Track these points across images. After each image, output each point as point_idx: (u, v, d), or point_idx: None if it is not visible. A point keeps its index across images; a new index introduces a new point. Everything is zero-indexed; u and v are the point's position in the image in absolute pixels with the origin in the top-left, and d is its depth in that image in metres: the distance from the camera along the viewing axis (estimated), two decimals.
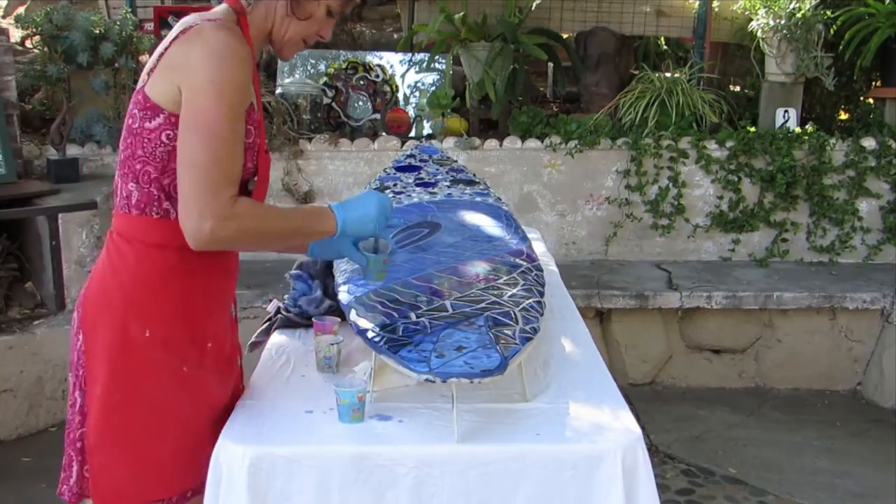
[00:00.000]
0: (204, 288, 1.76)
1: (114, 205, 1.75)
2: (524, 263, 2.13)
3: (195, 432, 1.75)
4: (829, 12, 4.63)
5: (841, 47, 4.62)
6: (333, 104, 4.85)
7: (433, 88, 4.99)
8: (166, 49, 1.63)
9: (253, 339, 2.28)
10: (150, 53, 4.81)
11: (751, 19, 4.74)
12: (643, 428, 2.81)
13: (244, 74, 1.62)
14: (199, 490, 1.71)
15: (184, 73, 1.59)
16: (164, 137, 1.62)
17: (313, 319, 2.15)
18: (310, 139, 4.57)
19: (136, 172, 1.66)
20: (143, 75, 1.67)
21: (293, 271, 2.36)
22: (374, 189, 1.78)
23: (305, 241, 1.78)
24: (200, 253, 1.64)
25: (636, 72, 5.40)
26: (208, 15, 1.69)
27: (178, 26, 1.67)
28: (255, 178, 1.75)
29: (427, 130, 4.87)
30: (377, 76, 4.93)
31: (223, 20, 1.67)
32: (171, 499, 1.75)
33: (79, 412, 1.77)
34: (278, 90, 4.69)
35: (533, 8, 5.03)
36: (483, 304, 1.87)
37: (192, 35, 1.61)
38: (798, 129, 4.59)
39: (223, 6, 1.73)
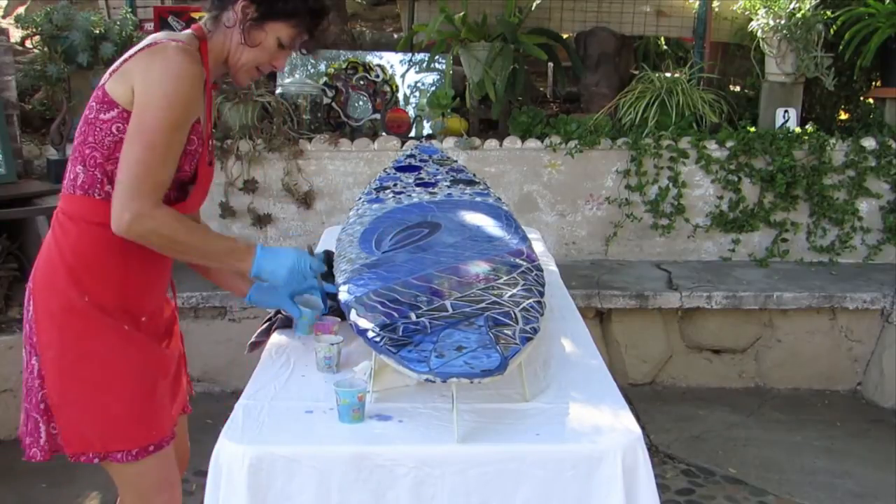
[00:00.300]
0: (138, 268, 1.92)
1: (63, 187, 1.92)
2: (524, 263, 2.12)
3: (145, 387, 1.92)
4: (829, 12, 4.63)
5: (841, 47, 4.63)
6: (333, 104, 4.85)
7: (433, 88, 4.99)
8: (131, 56, 1.84)
9: (253, 338, 2.28)
10: None
11: (751, 19, 4.74)
12: (643, 428, 2.81)
13: (193, 92, 1.82)
14: (161, 446, 1.93)
15: (141, 82, 1.79)
16: (114, 129, 1.82)
17: None
18: (310, 139, 4.57)
19: (84, 157, 1.86)
20: (107, 74, 1.87)
21: None
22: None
23: (221, 268, 2.06)
24: None
25: (636, 72, 5.40)
26: (174, 36, 1.89)
27: (146, 40, 1.87)
28: (193, 186, 1.97)
29: (427, 130, 4.87)
30: (377, 76, 4.93)
31: (185, 43, 1.87)
32: (131, 451, 1.91)
33: (38, 376, 1.92)
34: (278, 90, 4.69)
35: (533, 8, 5.03)
36: (483, 304, 1.87)
37: (156, 50, 1.82)
38: (798, 129, 4.60)
39: (189, 31, 1.94)
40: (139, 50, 1.83)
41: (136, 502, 2.02)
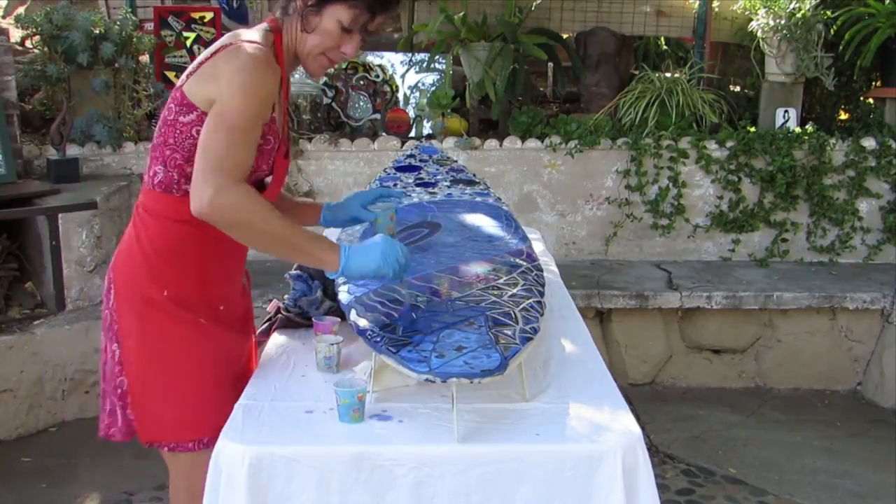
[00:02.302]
0: (214, 259, 1.97)
1: (144, 182, 1.97)
2: (524, 263, 2.13)
3: (218, 380, 1.97)
4: (829, 12, 4.63)
5: (841, 47, 4.62)
6: (333, 104, 4.85)
7: (433, 88, 4.99)
8: (208, 59, 1.85)
9: (253, 339, 2.28)
10: (152, 53, 4.84)
11: (751, 19, 4.74)
12: (643, 428, 2.81)
13: (270, 89, 1.84)
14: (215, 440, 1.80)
15: (219, 83, 1.80)
16: (193, 132, 1.84)
17: (313, 319, 2.16)
18: (310, 139, 4.57)
19: (164, 157, 1.89)
20: (184, 77, 1.89)
21: (293, 271, 2.36)
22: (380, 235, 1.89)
23: (300, 260, 1.96)
24: (211, 230, 1.80)
25: (636, 72, 5.40)
26: (248, 36, 1.88)
27: (221, 40, 1.88)
28: (269, 179, 2.00)
29: (427, 130, 4.87)
30: (377, 76, 4.93)
31: (260, 43, 1.86)
32: (201, 440, 1.96)
33: (118, 362, 1.97)
34: None
35: (533, 8, 5.03)
36: (483, 304, 1.87)
37: (231, 52, 1.83)
38: (798, 129, 4.60)
39: (263, 25, 1.94)
40: (215, 52, 1.85)
41: (188, 489, 2.01)
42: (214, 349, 1.98)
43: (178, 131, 1.86)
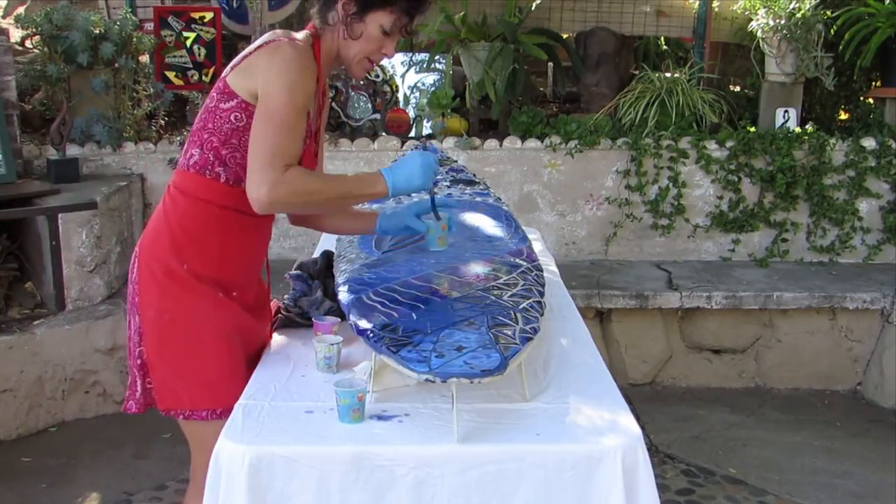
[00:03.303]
0: (235, 245, 2.08)
1: (179, 164, 2.09)
2: (524, 263, 2.13)
3: (232, 353, 2.05)
4: (829, 12, 4.64)
5: (841, 47, 4.62)
6: (333, 104, 4.85)
7: (433, 88, 4.99)
8: (251, 52, 1.98)
9: (269, 328, 2.28)
10: (152, 53, 4.84)
11: (751, 19, 4.74)
12: (643, 428, 2.81)
13: (310, 85, 1.97)
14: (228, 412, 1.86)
15: (264, 77, 1.92)
16: (232, 117, 1.98)
17: (313, 319, 2.16)
18: None
19: (202, 140, 2.01)
20: (228, 68, 2.02)
21: (293, 272, 2.36)
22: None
23: (358, 202, 2.14)
24: (235, 215, 2.02)
25: (636, 72, 5.40)
26: (291, 34, 2.02)
27: (265, 36, 2.01)
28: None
29: (427, 130, 4.87)
30: (377, 76, 4.93)
31: (301, 41, 2.00)
32: (216, 410, 2.02)
33: (136, 333, 2.07)
34: None
35: (533, 8, 5.03)
36: (483, 305, 1.87)
37: (276, 47, 1.95)
38: (798, 129, 4.60)
39: (305, 31, 2.07)
40: (259, 47, 1.97)
41: (207, 462, 2.02)
42: (230, 322, 2.05)
43: (217, 117, 1.98)
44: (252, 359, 2.11)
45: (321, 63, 2.05)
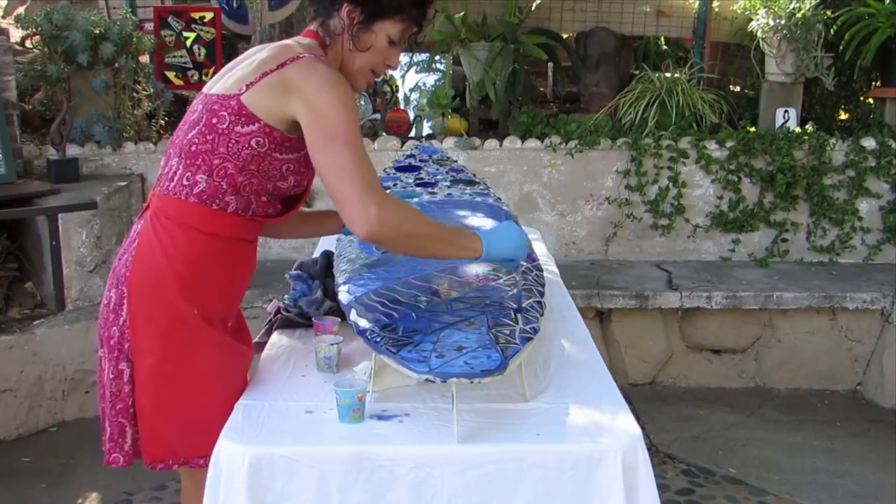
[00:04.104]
0: (239, 275, 1.97)
1: (164, 188, 1.88)
2: (524, 263, 2.13)
3: (234, 393, 1.89)
4: (829, 12, 4.64)
5: (841, 47, 4.63)
6: None
7: (433, 88, 4.99)
8: (272, 70, 1.78)
9: (256, 339, 2.28)
10: (152, 53, 4.82)
11: (751, 19, 4.74)
12: (643, 428, 2.81)
13: (355, 99, 1.82)
14: None
15: (305, 96, 1.75)
16: (253, 143, 1.80)
17: (313, 319, 2.15)
18: None
19: (212, 167, 1.82)
20: (239, 84, 1.81)
21: (293, 272, 2.36)
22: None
23: (448, 255, 1.91)
24: (241, 245, 1.90)
25: (636, 72, 5.40)
26: (310, 49, 1.85)
27: (279, 52, 1.82)
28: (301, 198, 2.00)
29: (427, 130, 4.87)
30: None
31: (322, 55, 1.86)
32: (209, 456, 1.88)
33: (128, 382, 1.88)
34: None
35: (533, 8, 5.03)
36: (483, 304, 1.87)
37: (307, 64, 1.79)
38: (798, 129, 4.60)
39: (310, 41, 1.89)
40: (281, 64, 1.79)
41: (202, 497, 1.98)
42: (234, 366, 1.95)
43: (233, 141, 1.80)
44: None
45: None
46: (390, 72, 4.99)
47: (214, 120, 1.81)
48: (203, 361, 1.87)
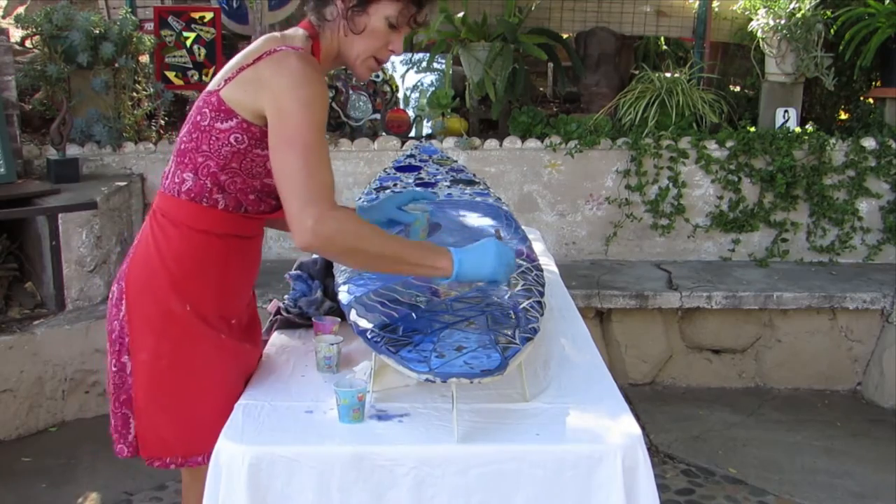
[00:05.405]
0: (235, 272, 1.93)
1: (162, 186, 1.89)
2: (524, 263, 2.13)
3: (233, 395, 1.87)
4: (829, 12, 4.64)
5: (841, 47, 4.63)
6: (333, 104, 4.85)
7: (433, 88, 4.99)
8: (249, 64, 1.76)
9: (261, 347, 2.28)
10: (152, 53, 4.82)
11: (751, 19, 4.74)
12: (643, 428, 2.81)
13: (325, 98, 1.74)
14: None
15: (272, 93, 1.71)
16: (231, 139, 1.78)
17: (313, 319, 2.16)
18: None
19: (196, 164, 1.81)
20: (220, 80, 1.79)
21: (293, 272, 2.36)
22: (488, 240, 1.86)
23: (411, 273, 1.84)
24: (236, 241, 1.87)
25: (636, 72, 5.40)
26: (289, 41, 1.81)
27: (261, 45, 1.79)
28: None
29: (427, 130, 4.87)
30: (377, 76, 4.93)
31: (304, 49, 1.80)
32: (209, 454, 1.85)
33: (130, 374, 1.89)
34: None
35: (533, 8, 5.03)
36: (483, 304, 1.87)
37: (279, 59, 1.73)
38: (798, 129, 4.60)
39: (301, 32, 1.86)
40: (258, 58, 1.75)
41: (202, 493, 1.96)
42: (232, 365, 1.92)
43: (213, 138, 1.78)
44: (247, 379, 1.98)
45: (322, 65, 1.86)
46: (390, 72, 5.01)
47: (198, 117, 1.80)
48: (197, 359, 1.86)
